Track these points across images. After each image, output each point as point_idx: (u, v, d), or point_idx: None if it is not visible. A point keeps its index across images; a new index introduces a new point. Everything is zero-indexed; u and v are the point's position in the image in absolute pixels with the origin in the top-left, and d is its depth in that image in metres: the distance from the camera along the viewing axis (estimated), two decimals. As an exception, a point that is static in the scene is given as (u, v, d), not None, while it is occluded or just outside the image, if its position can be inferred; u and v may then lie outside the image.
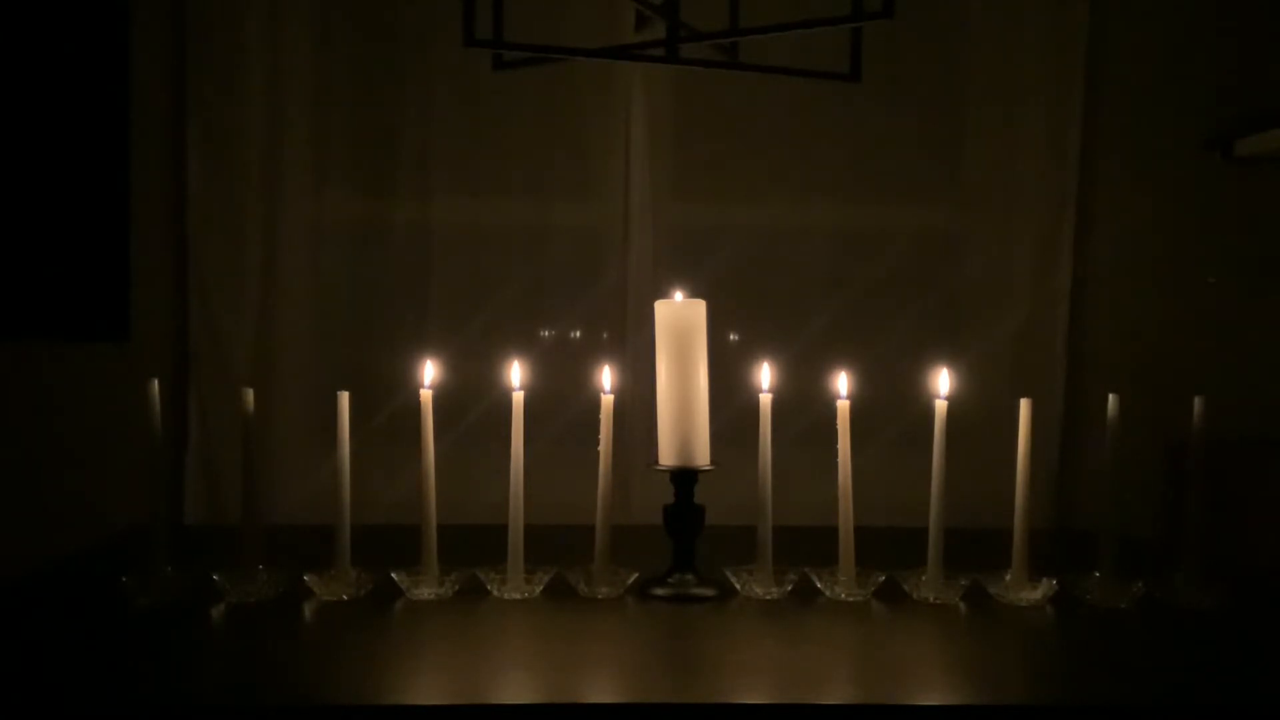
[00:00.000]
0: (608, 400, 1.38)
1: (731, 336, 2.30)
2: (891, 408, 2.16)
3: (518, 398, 1.36)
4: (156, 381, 1.36)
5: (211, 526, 2.23)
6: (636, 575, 1.37)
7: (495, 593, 1.35)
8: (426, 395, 1.36)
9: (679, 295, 1.42)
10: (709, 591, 1.37)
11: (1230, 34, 2.35)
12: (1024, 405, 1.37)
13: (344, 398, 1.36)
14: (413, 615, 1.29)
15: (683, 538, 1.39)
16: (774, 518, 1.37)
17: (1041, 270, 2.33)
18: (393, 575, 1.35)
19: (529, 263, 2.34)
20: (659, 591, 1.37)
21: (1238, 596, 1.36)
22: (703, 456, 1.40)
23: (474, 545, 1.40)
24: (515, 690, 1.08)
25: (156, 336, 2.30)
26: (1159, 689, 1.11)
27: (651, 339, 1.42)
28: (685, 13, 1.40)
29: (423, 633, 1.24)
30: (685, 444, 1.39)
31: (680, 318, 1.40)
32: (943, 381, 1.37)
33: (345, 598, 1.33)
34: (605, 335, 2.36)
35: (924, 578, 1.36)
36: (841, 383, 1.38)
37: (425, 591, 1.34)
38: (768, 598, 1.36)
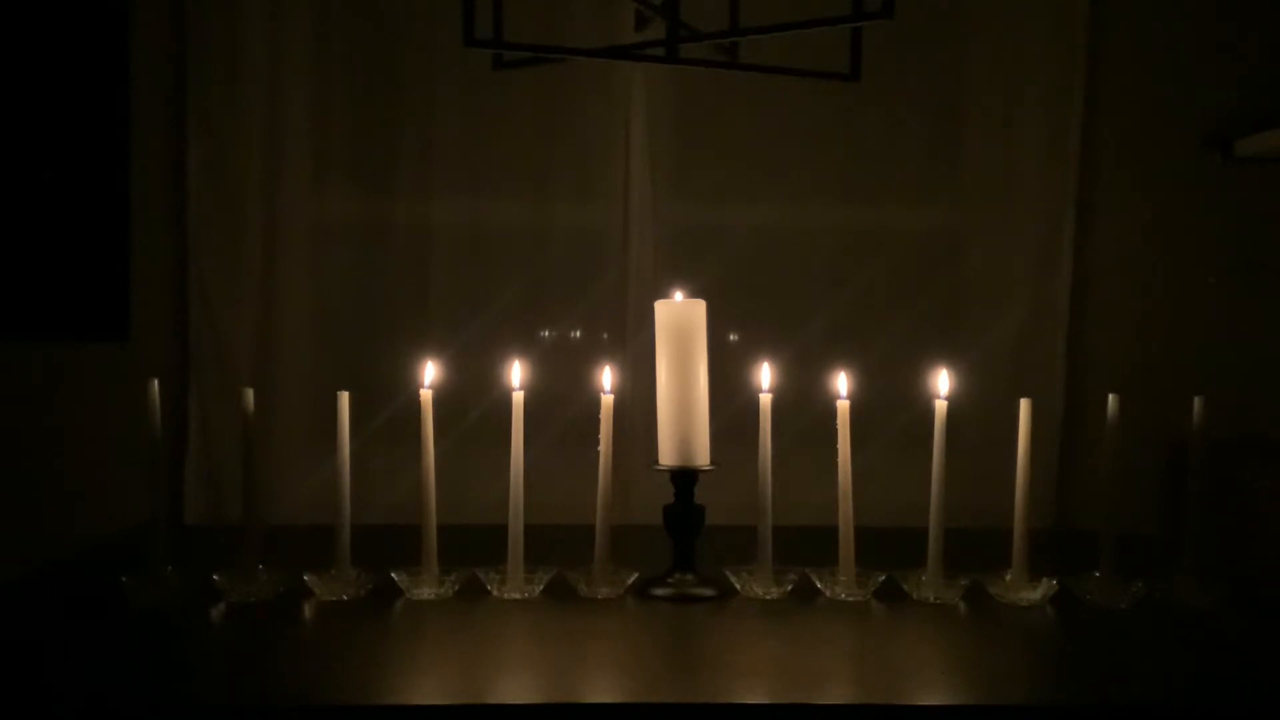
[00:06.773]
0: (608, 400, 1.38)
1: (731, 336, 2.29)
2: (891, 408, 2.15)
3: (518, 398, 1.36)
4: (156, 381, 1.36)
5: (211, 526, 2.22)
6: (636, 575, 1.37)
7: (495, 593, 1.34)
8: (426, 395, 1.36)
9: (679, 295, 1.42)
10: (709, 591, 1.37)
11: (1230, 34, 2.35)
12: (1024, 405, 1.37)
13: (344, 398, 1.36)
14: (413, 615, 1.29)
15: (683, 538, 1.39)
16: (774, 518, 1.37)
17: (1041, 270, 2.32)
18: (393, 575, 1.35)
19: (529, 263, 2.34)
20: (659, 591, 1.37)
21: (1238, 596, 1.36)
22: (703, 456, 1.40)
23: (474, 545, 1.40)
24: (515, 690, 1.08)
25: (156, 336, 2.30)
26: (1159, 689, 1.11)
27: (651, 339, 1.42)
28: (685, 13, 1.40)
29: (423, 633, 1.24)
30: (685, 444, 1.39)
31: (680, 318, 1.40)
32: (943, 381, 1.37)
33: (345, 598, 1.33)
34: (605, 335, 2.36)
35: (924, 578, 1.36)
36: (841, 383, 1.38)
37: (425, 591, 1.34)
38: (768, 598, 1.36)
